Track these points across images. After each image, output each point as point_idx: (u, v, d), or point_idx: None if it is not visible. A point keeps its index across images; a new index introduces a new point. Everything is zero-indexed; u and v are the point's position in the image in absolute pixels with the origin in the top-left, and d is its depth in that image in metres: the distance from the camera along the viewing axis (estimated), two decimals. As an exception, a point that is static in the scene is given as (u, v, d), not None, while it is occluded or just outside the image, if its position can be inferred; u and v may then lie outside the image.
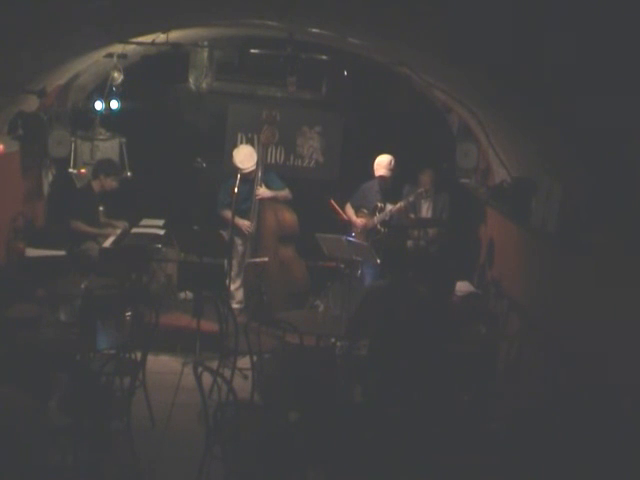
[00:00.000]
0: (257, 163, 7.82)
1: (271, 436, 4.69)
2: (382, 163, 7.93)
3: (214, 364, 6.03)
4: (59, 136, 7.47)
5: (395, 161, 7.94)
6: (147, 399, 5.75)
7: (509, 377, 6.19)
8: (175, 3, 5.18)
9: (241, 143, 8.95)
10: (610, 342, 4.65)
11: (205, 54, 8.41)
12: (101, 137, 8.23)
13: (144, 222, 8.07)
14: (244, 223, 7.90)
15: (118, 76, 7.67)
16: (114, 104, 8.02)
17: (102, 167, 7.83)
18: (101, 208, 8.00)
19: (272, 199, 7.96)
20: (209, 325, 6.99)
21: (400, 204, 7.76)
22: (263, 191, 7.90)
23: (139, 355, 5.65)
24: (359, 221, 8.02)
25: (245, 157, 7.77)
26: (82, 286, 5.93)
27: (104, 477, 5.00)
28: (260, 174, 7.89)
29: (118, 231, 7.81)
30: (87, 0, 4.32)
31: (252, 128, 8.89)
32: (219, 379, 4.74)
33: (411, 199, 7.74)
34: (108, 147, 8.27)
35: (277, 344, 6.13)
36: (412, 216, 7.83)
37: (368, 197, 8.08)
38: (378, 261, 7.08)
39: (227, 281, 7.73)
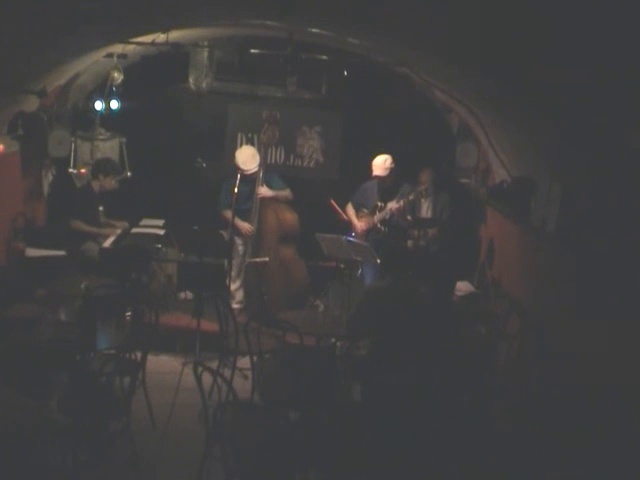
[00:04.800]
0: (259, 165, 7.81)
1: (271, 436, 4.69)
2: (377, 163, 7.91)
3: (214, 364, 6.03)
4: (59, 136, 7.48)
5: (393, 160, 7.91)
6: (147, 399, 5.75)
7: (509, 377, 6.19)
8: (175, 3, 5.18)
9: (241, 143, 8.96)
10: (610, 342, 4.65)
11: (205, 54, 8.40)
12: (101, 137, 8.23)
13: (144, 222, 8.06)
14: (244, 226, 7.88)
15: (118, 76, 7.68)
16: (114, 104, 8.02)
17: (101, 167, 7.83)
18: (101, 208, 7.99)
19: (273, 199, 7.96)
20: (209, 325, 6.98)
21: (400, 202, 7.74)
22: (265, 190, 7.90)
23: (139, 355, 5.65)
24: (359, 225, 8.01)
25: (248, 158, 7.77)
26: (82, 286, 5.92)
27: (104, 477, 5.00)
28: (262, 174, 7.88)
29: (118, 231, 7.81)
30: (87, 0, 4.32)
31: (252, 128, 8.89)
32: (219, 379, 4.74)
33: (411, 197, 7.73)
34: (108, 147, 8.27)
35: (277, 344, 6.13)
36: (409, 218, 7.83)
37: (369, 196, 8.08)
38: (378, 261, 7.07)
39: (227, 281, 7.73)
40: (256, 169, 7.77)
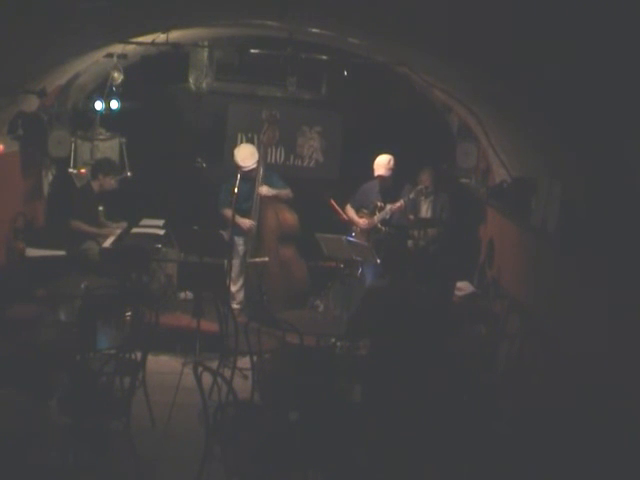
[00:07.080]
0: (258, 162, 7.81)
1: (271, 436, 4.69)
2: (381, 163, 7.92)
3: (214, 364, 6.03)
4: (59, 136, 7.48)
5: (395, 161, 7.92)
6: (147, 399, 5.75)
7: (509, 377, 6.19)
8: (175, 3, 5.18)
9: (241, 143, 8.95)
10: (610, 342, 4.65)
11: (205, 54, 8.41)
12: (101, 137, 8.24)
13: (144, 222, 8.06)
14: (245, 222, 7.88)
15: (118, 76, 7.68)
16: (114, 104, 8.02)
17: (100, 166, 7.84)
18: (101, 208, 8.00)
19: (274, 197, 7.95)
20: (209, 325, 6.98)
21: (400, 202, 7.74)
22: (266, 189, 7.89)
23: (139, 355, 5.64)
24: (362, 221, 8.00)
25: (246, 155, 7.77)
26: (82, 286, 5.92)
27: (104, 477, 5.00)
28: (262, 174, 7.88)
29: (118, 231, 7.81)
30: (87, 0, 4.32)
31: (252, 128, 8.89)
32: (219, 379, 4.74)
33: (411, 196, 7.73)
34: (108, 147, 8.28)
35: (277, 344, 6.13)
36: (411, 217, 7.82)
37: (369, 197, 8.07)
38: (378, 261, 7.07)
39: (227, 281, 7.72)
40: (254, 165, 7.77)
